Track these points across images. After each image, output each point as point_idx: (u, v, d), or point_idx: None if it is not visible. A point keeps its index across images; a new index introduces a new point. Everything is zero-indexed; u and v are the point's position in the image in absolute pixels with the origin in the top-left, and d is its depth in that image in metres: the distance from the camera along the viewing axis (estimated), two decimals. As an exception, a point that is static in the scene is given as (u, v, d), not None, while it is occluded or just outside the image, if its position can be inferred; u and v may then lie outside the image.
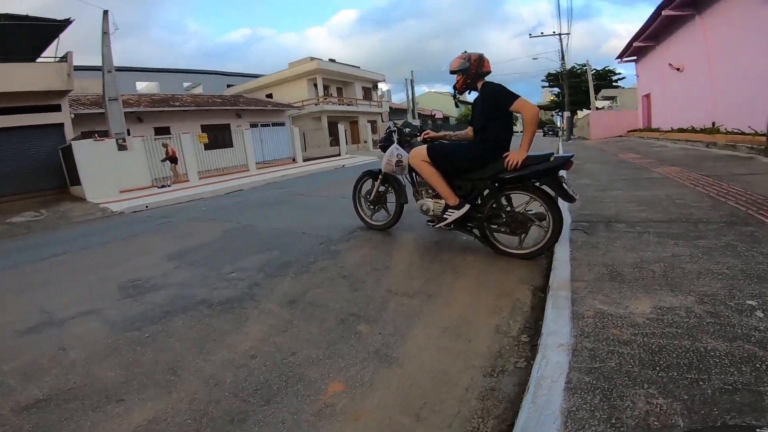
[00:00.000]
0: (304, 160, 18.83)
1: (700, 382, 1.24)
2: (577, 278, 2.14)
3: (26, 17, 11.30)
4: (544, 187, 2.87)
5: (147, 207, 8.24)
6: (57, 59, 12.35)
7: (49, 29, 11.95)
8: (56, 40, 12.50)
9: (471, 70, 3.05)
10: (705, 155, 7.28)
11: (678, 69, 13.82)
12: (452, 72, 3.12)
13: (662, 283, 1.98)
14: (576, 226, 3.23)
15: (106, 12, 11.28)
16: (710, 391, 1.19)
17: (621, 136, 19.86)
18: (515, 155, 2.77)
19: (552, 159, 2.73)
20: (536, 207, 2.93)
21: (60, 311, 2.81)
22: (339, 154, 21.64)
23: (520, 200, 3.01)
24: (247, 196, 8.52)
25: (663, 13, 12.70)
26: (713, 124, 10.58)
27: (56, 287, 3.45)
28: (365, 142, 28.90)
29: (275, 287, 2.83)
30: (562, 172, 2.85)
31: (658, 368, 1.34)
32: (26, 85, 11.32)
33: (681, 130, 12.04)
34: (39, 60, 13.03)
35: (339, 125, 22.39)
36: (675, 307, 1.72)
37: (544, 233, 2.84)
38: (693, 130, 11.12)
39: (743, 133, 7.96)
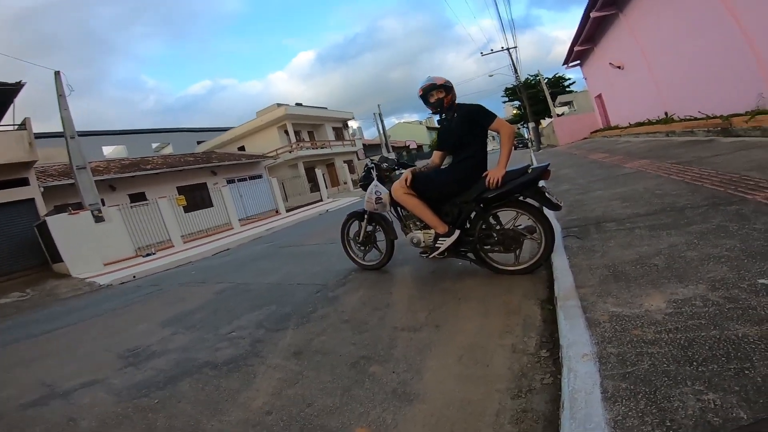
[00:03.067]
0: (287, 211, 18.77)
1: (746, 371, 1.19)
2: (582, 284, 2.12)
3: None
4: (528, 200, 2.92)
5: (135, 277, 8.03)
6: (15, 127, 11.72)
7: (1, 94, 11.36)
8: (12, 106, 11.90)
9: (453, 89, 3.16)
10: (668, 144, 7.56)
11: (619, 67, 14.55)
12: (439, 87, 3.10)
13: (668, 275, 1.97)
14: (567, 233, 3.26)
15: (57, 73, 10.86)
16: (760, 379, 1.14)
17: (586, 138, 20.54)
18: (494, 173, 2.82)
19: (530, 171, 2.79)
20: (525, 221, 2.96)
21: (62, 383, 2.74)
22: (321, 200, 21.68)
23: (508, 217, 3.04)
24: (235, 254, 8.39)
25: (591, 15, 13.52)
26: (666, 114, 11.01)
27: (55, 360, 3.38)
28: (345, 183, 29.08)
29: (278, 341, 2.73)
30: (542, 182, 2.91)
31: (695, 363, 1.28)
32: None
33: (639, 124, 12.51)
34: None
35: (316, 170, 22.52)
36: (689, 297, 1.70)
37: (538, 245, 2.85)
38: (649, 123, 11.56)
39: (696, 119, 8.26)
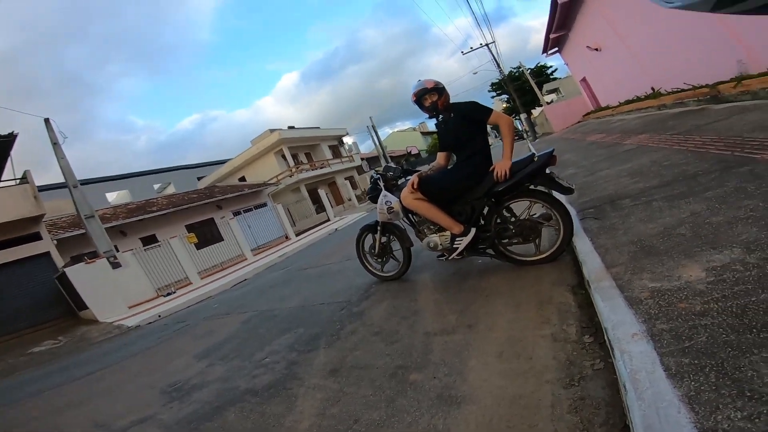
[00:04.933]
0: (296, 235, 18.85)
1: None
2: (612, 264, 2.09)
3: None
4: (539, 188, 2.91)
5: (160, 316, 8.11)
6: (18, 181, 11.71)
7: None
8: (9, 160, 11.80)
9: (446, 91, 3.20)
10: (662, 117, 7.51)
11: (596, 49, 14.55)
12: (431, 90, 3.15)
13: (699, 243, 1.94)
14: (584, 215, 3.23)
15: (47, 120, 10.81)
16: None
17: (579, 121, 20.59)
18: (501, 165, 2.83)
19: (536, 159, 2.80)
20: (539, 209, 2.94)
21: (115, 422, 2.81)
22: (328, 220, 21.75)
23: (521, 208, 3.03)
24: (254, 283, 8.41)
25: (558, 1, 13.58)
26: (653, 89, 10.99)
27: (102, 401, 3.45)
28: (349, 200, 29.12)
29: (312, 361, 2.72)
30: (550, 168, 2.90)
31: (756, 330, 1.23)
32: None
33: (628, 102, 12.49)
34: (0, 185, 12.05)
35: (319, 191, 22.61)
36: (727, 263, 1.66)
37: (557, 232, 2.83)
38: (639, 99, 11.51)
39: (684, 90, 8.24)
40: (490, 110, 2.98)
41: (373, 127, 33.57)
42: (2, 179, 12.75)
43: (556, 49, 20.13)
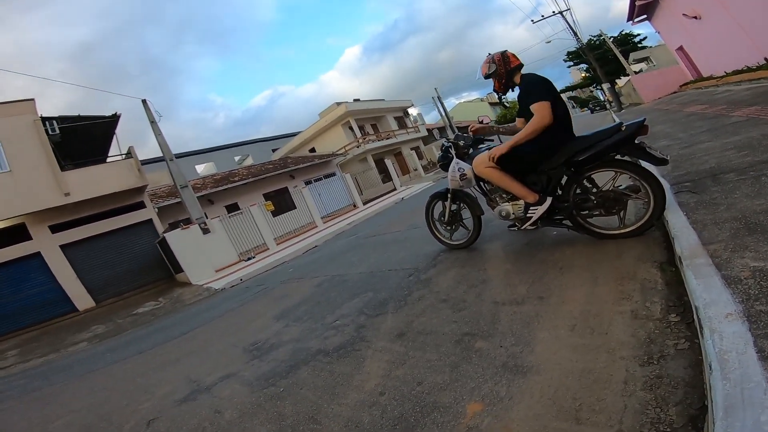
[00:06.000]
0: (364, 203, 19.27)
1: None
2: (709, 241, 1.88)
3: (78, 117, 12.18)
4: (626, 158, 2.67)
5: (242, 280, 8.80)
6: (123, 157, 13.26)
7: (103, 127, 12.81)
8: (114, 137, 13.37)
9: (500, 70, 3.11)
10: None
11: (695, 17, 12.70)
12: (486, 77, 3.19)
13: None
14: (679, 189, 2.92)
15: (144, 101, 11.81)
16: None
17: (675, 92, 18.58)
18: (496, 150, 2.96)
19: (624, 128, 2.55)
20: (625, 180, 2.71)
21: (204, 378, 3.10)
22: (394, 189, 21.92)
23: (605, 178, 2.82)
24: (324, 250, 8.82)
25: None
26: (767, 59, 9.65)
27: (194, 359, 3.81)
28: (415, 169, 29.08)
29: (380, 325, 2.83)
30: (640, 139, 2.63)
31: None
32: (108, 187, 12.24)
33: (736, 72, 11.02)
34: (109, 160, 14.06)
35: (386, 161, 22.78)
36: None
37: (645, 205, 2.59)
38: (750, 70, 10.10)
39: None
40: (539, 98, 2.80)
41: (439, 97, 32.67)
42: (110, 155, 14.66)
43: (645, 16, 18.30)
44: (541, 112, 2.76)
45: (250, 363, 3.09)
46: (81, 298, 12.18)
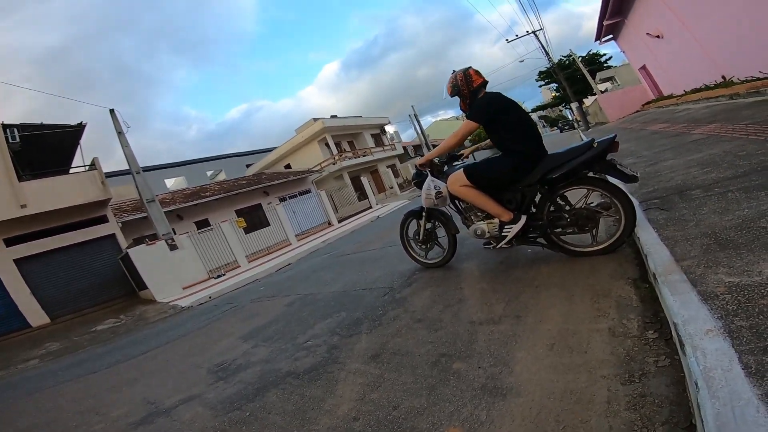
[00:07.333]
0: (339, 221, 19.13)
1: None
2: (682, 257, 1.90)
3: (41, 125, 11.59)
4: (598, 175, 2.72)
5: (210, 297, 8.52)
6: (86, 168, 12.63)
7: (67, 136, 12.27)
8: (78, 148, 12.78)
9: (463, 90, 3.14)
10: (734, 107, 6.82)
11: (658, 36, 13.48)
12: (452, 96, 3.22)
13: (786, 236, 1.71)
14: (648, 206, 2.99)
15: (112, 111, 11.38)
16: None
17: (638, 111, 19.52)
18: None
19: (596, 145, 2.61)
20: (597, 198, 2.75)
21: (163, 400, 2.93)
22: (370, 207, 21.91)
23: (577, 196, 2.85)
24: (297, 268, 8.63)
25: None
26: (724, 78, 10.19)
27: (153, 379, 3.62)
28: (391, 187, 29.21)
29: (354, 346, 2.72)
30: (611, 155, 2.69)
31: None
32: (68, 199, 11.61)
33: (695, 91, 11.59)
34: (71, 171, 13.29)
35: (362, 178, 22.84)
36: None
37: (617, 222, 2.63)
38: (708, 88, 10.68)
39: (760, 79, 7.56)
40: (467, 116, 3.01)
41: (416, 115, 33.22)
42: (73, 166, 13.97)
43: (611, 36, 19.16)
44: (461, 129, 2.97)
45: (215, 385, 2.92)
46: (35, 313, 11.51)
